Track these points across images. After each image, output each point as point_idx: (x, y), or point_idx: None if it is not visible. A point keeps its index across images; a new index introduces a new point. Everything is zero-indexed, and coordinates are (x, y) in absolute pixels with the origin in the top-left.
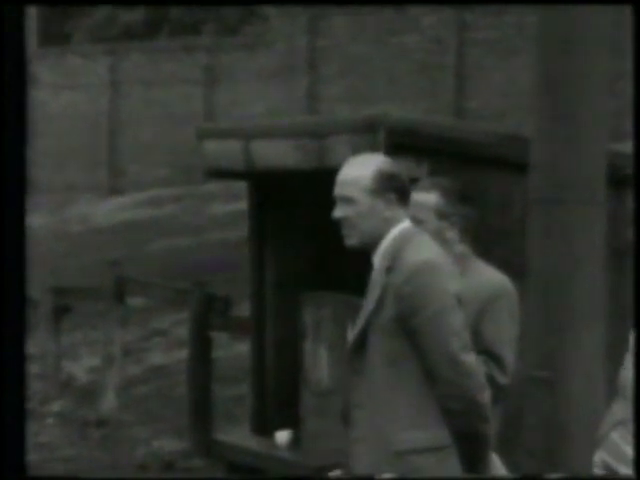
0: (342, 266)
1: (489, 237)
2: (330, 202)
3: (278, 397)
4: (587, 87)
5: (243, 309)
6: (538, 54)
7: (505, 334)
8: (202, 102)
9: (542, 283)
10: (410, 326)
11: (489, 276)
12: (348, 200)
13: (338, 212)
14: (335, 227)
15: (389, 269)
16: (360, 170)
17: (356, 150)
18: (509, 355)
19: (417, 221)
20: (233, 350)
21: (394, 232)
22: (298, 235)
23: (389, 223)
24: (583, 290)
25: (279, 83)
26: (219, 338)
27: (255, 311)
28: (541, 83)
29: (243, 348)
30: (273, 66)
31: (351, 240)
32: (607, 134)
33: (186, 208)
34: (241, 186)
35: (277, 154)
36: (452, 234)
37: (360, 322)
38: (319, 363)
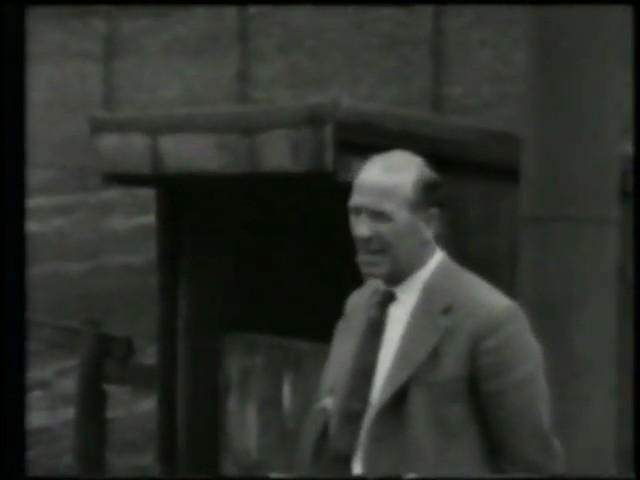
0: (278, 299)
1: (468, 264)
2: (263, 217)
3: (192, 469)
4: (596, 72)
5: (149, 355)
6: (532, 35)
7: None
8: (98, 84)
9: (536, 323)
10: (490, 389)
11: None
12: (380, 215)
13: (363, 229)
14: (267, 249)
15: (448, 310)
16: (399, 176)
17: (297, 149)
18: None
19: None
20: (135, 408)
21: (435, 260)
22: (221, 259)
23: (427, 248)
24: (588, 331)
25: (198, 60)
26: (117, 393)
27: (163, 358)
28: (535, 68)
29: (148, 406)
30: (191, 38)
31: (379, 268)
32: (620, 133)
33: (78, 222)
34: (148, 194)
35: (195, 154)
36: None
37: (395, 375)
38: (246, 427)
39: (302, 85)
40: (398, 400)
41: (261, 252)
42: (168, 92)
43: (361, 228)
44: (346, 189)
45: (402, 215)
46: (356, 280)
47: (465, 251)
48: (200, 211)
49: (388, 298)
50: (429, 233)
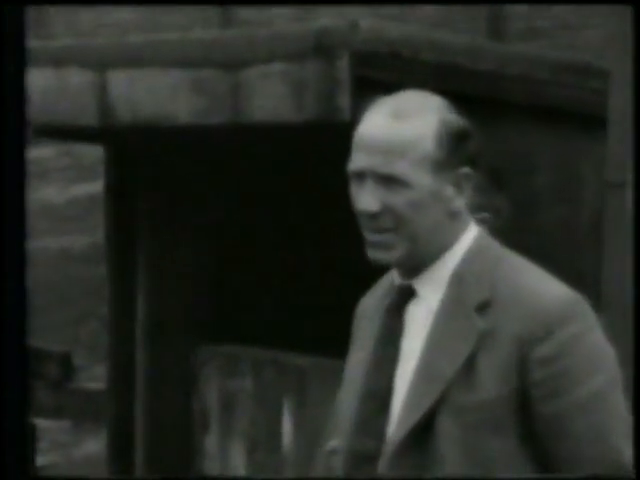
0: (271, 300)
1: (537, 244)
2: (251, 186)
3: None
4: None
5: (94, 376)
6: None
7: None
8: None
9: (621, 314)
10: (546, 413)
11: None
12: (391, 181)
13: (369, 200)
14: (256, 232)
15: (485, 306)
16: (414, 125)
17: (300, 90)
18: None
19: None
20: (75, 451)
21: (467, 240)
22: (192, 246)
23: (457, 222)
24: None
25: None
26: (51, 429)
27: (115, 380)
28: None
29: (94, 447)
30: None
31: (392, 252)
32: None
33: None
34: (93, 155)
35: (157, 97)
36: None
37: (417, 401)
38: (230, 471)
39: (301, 4)
40: (422, 433)
41: (248, 237)
42: (119, 13)
43: (366, 200)
44: None
45: (421, 178)
46: (374, 275)
47: (533, 227)
48: (164, 179)
49: (406, 295)
50: (460, 201)
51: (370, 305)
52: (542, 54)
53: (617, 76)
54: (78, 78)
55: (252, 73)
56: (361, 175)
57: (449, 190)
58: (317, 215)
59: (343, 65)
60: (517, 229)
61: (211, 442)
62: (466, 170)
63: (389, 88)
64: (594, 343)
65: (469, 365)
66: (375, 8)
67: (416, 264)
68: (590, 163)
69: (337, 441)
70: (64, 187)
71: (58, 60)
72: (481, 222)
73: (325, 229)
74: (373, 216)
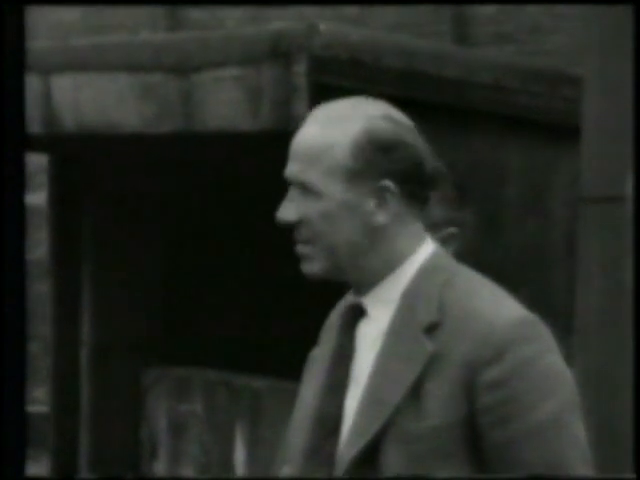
0: (223, 319)
1: (507, 260)
2: (204, 200)
3: None
4: None
5: (36, 400)
6: None
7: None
8: None
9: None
10: (496, 440)
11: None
12: (307, 190)
13: (286, 211)
14: (208, 247)
15: (433, 328)
16: (334, 133)
17: (255, 97)
18: None
19: None
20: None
21: (419, 257)
22: (141, 262)
23: (406, 237)
24: None
25: None
26: None
27: (58, 403)
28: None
29: (35, 472)
30: None
31: (312, 264)
32: None
33: None
34: (36, 164)
35: (104, 104)
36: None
37: (362, 426)
38: None
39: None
40: (368, 461)
41: (200, 252)
42: (64, 14)
43: (283, 209)
44: None
45: (332, 188)
46: (335, 293)
47: (502, 243)
48: (111, 190)
49: (357, 313)
50: (382, 216)
51: (333, 321)
52: (511, 61)
53: (590, 83)
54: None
55: (204, 78)
56: (289, 184)
57: (369, 203)
58: (272, 229)
59: (301, 70)
60: (485, 243)
61: (159, 469)
62: (387, 183)
63: (349, 95)
64: (547, 366)
65: (416, 390)
66: (334, 10)
67: (357, 280)
68: (561, 175)
69: (289, 467)
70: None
71: None
72: (447, 237)
73: (282, 244)
74: (293, 227)
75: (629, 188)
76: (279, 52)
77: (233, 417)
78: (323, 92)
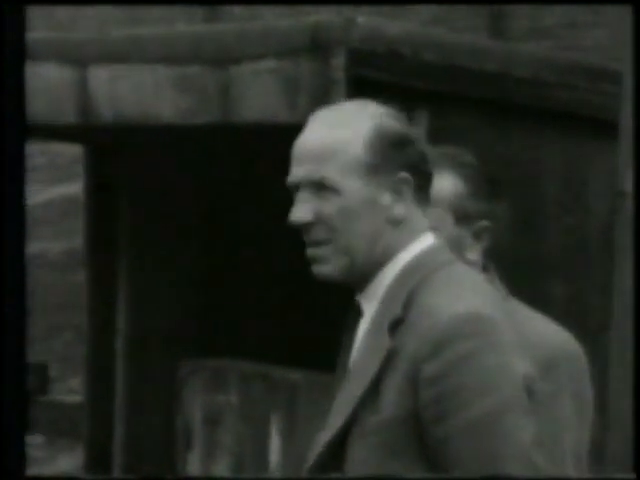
0: (259, 311)
1: (543, 257)
2: (240, 192)
3: None
4: None
5: (71, 389)
6: None
7: (565, 435)
8: None
9: (629, 330)
10: (435, 436)
11: (540, 332)
12: (324, 188)
13: (301, 212)
14: (244, 239)
15: (396, 324)
16: (345, 131)
17: (293, 89)
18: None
19: None
20: (50, 469)
21: (408, 253)
22: (176, 253)
23: (402, 233)
24: None
25: None
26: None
27: (93, 393)
28: None
29: (69, 465)
30: None
31: (328, 266)
32: None
33: None
34: (72, 154)
35: (140, 95)
36: (477, 251)
37: (334, 421)
38: None
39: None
40: (335, 454)
41: (235, 244)
42: (102, 7)
43: (298, 210)
44: None
45: (352, 184)
46: None
47: (541, 239)
48: (147, 181)
49: (356, 312)
50: (400, 208)
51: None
52: (549, 55)
53: (629, 78)
54: (56, 74)
55: (242, 70)
56: (296, 187)
57: (386, 197)
58: None
59: (339, 63)
60: (521, 239)
61: (194, 460)
62: (404, 175)
63: (389, 90)
64: (488, 364)
65: (377, 385)
66: (374, 3)
67: (357, 278)
68: (600, 171)
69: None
70: (39, 189)
71: (35, 54)
72: (480, 230)
73: None
74: (307, 228)
75: (629, 186)
76: (317, 45)
77: (269, 409)
78: (361, 85)
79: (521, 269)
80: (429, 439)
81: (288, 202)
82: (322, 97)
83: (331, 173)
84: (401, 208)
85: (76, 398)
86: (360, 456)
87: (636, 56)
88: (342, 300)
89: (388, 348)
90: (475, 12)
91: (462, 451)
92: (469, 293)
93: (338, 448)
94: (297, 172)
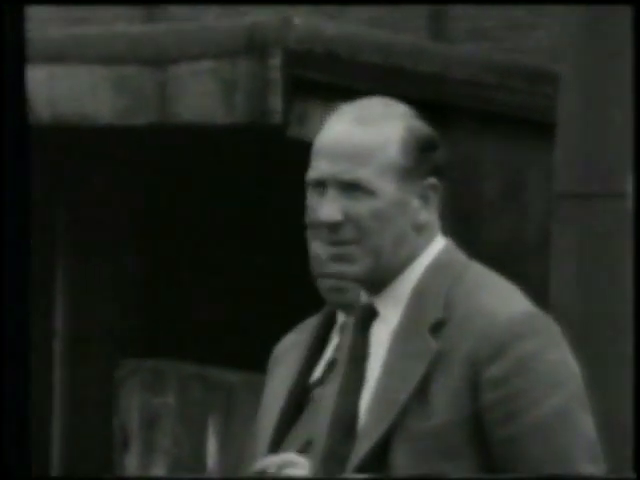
0: (198, 312)
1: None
2: (178, 192)
3: None
4: None
5: None
6: None
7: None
8: None
9: (574, 322)
10: (501, 437)
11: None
12: (355, 189)
13: (330, 211)
14: (183, 239)
15: (439, 326)
16: (379, 131)
17: (230, 90)
18: None
19: None
20: None
21: (427, 257)
22: (115, 252)
23: (422, 236)
24: None
25: None
26: None
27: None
28: None
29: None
30: None
31: (354, 267)
32: None
33: None
34: None
35: (77, 95)
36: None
37: (372, 427)
38: None
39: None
40: (377, 461)
41: (174, 244)
42: (35, 8)
43: (327, 209)
44: (300, 149)
45: (386, 187)
46: (312, 283)
47: (478, 240)
48: (84, 180)
49: (369, 314)
50: (425, 214)
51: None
52: (489, 57)
53: (567, 80)
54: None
55: (180, 71)
56: (322, 184)
57: (415, 202)
58: (247, 223)
59: (276, 64)
60: (460, 238)
61: (131, 461)
62: (432, 181)
63: (327, 92)
64: (552, 361)
65: (423, 389)
66: (310, 5)
67: (378, 280)
68: (539, 172)
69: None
70: None
71: None
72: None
73: (259, 238)
74: (334, 227)
75: (629, 187)
76: (254, 45)
77: (206, 410)
78: (298, 86)
79: None
80: (493, 440)
81: (225, 199)
82: (259, 98)
83: (367, 175)
84: (426, 214)
85: None
86: (407, 462)
87: (636, 56)
88: (286, 301)
89: (434, 351)
90: (414, 13)
91: (533, 450)
92: (512, 293)
93: (380, 454)
94: (323, 169)
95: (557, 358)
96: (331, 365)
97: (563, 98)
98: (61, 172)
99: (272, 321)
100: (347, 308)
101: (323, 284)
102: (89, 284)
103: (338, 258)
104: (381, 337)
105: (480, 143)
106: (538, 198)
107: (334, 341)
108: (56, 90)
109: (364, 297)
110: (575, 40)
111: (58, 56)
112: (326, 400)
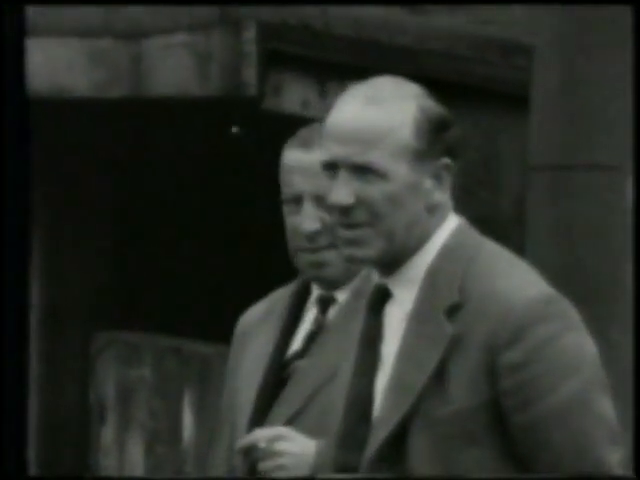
0: (174, 286)
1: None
2: (153, 165)
3: None
4: None
5: None
6: None
7: None
8: None
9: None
10: (520, 422)
11: None
12: (367, 171)
13: (342, 194)
14: (159, 215)
15: (455, 310)
16: (391, 112)
17: (204, 63)
18: None
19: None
20: None
21: (444, 233)
22: (91, 226)
23: (434, 216)
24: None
25: None
26: None
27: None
28: None
29: None
30: None
31: (367, 249)
32: None
33: None
34: None
35: (52, 68)
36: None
37: (388, 413)
38: (128, 469)
39: None
40: (395, 446)
41: (151, 219)
42: None
43: (339, 192)
44: (277, 123)
45: (399, 169)
46: (285, 258)
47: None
48: (60, 151)
49: (382, 295)
50: (439, 195)
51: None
52: (464, 29)
53: (542, 52)
54: None
55: (154, 44)
56: (333, 166)
57: (428, 182)
58: (222, 196)
59: (250, 37)
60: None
61: (107, 435)
62: (446, 161)
63: (302, 64)
64: (570, 345)
65: (439, 374)
66: None
67: (391, 262)
68: (512, 144)
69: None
70: None
71: None
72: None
73: (232, 212)
74: (346, 210)
75: (602, 159)
76: (228, 18)
77: (182, 383)
78: (272, 58)
79: None
80: (512, 426)
81: (193, 174)
82: (234, 70)
83: (379, 158)
84: (439, 195)
85: None
86: (425, 446)
87: (636, 56)
88: (261, 273)
89: (450, 335)
90: None
91: (553, 435)
92: (528, 275)
93: (398, 440)
94: (334, 151)
95: (574, 342)
96: (311, 337)
97: (538, 71)
98: (36, 145)
99: (250, 294)
100: (326, 283)
101: (302, 259)
102: (65, 259)
103: (351, 242)
104: (395, 319)
105: (454, 115)
106: (512, 171)
107: (310, 313)
108: (31, 64)
109: (376, 278)
110: (550, 12)
111: (32, 30)
112: (340, 382)
